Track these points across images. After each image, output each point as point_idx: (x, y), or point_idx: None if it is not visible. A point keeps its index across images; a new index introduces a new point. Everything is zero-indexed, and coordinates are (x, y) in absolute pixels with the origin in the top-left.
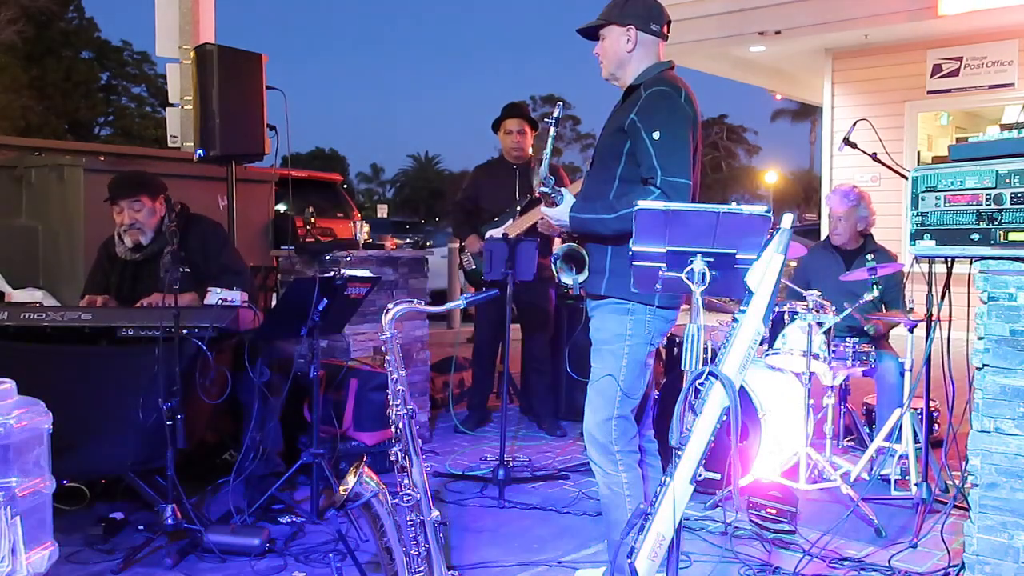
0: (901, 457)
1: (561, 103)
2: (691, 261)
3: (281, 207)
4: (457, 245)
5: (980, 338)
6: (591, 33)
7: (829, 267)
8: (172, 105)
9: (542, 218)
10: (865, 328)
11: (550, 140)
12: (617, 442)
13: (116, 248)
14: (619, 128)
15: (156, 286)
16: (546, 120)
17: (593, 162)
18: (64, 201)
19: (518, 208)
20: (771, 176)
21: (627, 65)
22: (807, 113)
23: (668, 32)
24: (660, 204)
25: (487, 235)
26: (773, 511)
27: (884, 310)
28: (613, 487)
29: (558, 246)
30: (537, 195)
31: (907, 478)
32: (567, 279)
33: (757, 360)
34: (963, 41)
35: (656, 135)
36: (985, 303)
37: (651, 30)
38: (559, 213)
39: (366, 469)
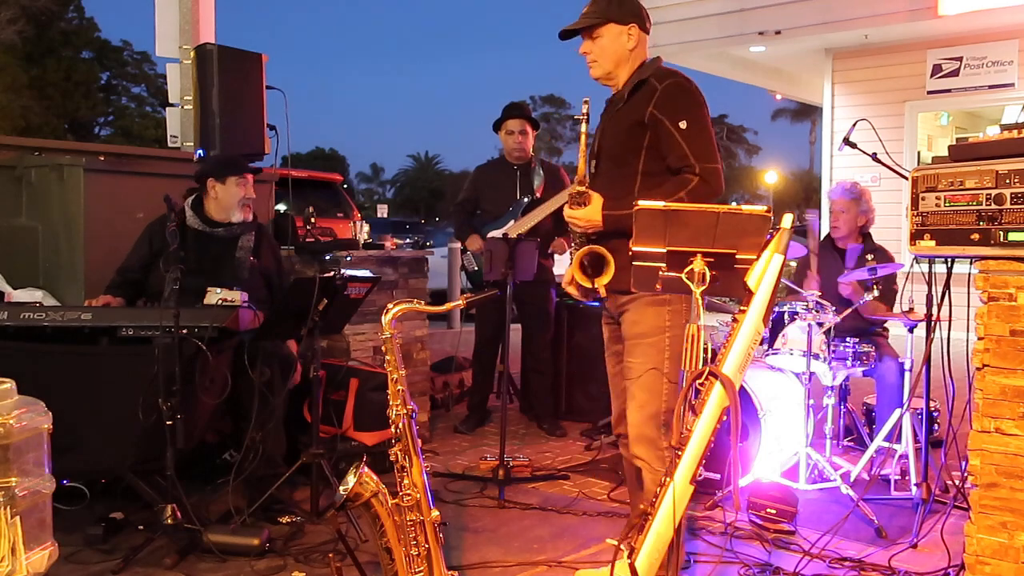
0: (901, 457)
1: (588, 100)
2: (691, 261)
3: (281, 207)
4: (458, 246)
5: (980, 338)
6: (575, 32)
7: (828, 266)
8: (172, 105)
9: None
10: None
11: (583, 138)
12: (667, 436)
13: (188, 220)
14: (636, 123)
15: (229, 265)
16: (575, 119)
17: (599, 162)
18: (64, 201)
19: (520, 208)
20: (771, 176)
21: (625, 64)
22: (807, 113)
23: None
24: (660, 204)
25: (488, 235)
26: (773, 511)
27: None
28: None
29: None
30: (573, 194)
31: (907, 478)
32: (587, 284)
33: (757, 360)
34: (963, 41)
35: (683, 124)
36: (985, 303)
37: (646, 28)
38: (589, 213)
39: (366, 469)
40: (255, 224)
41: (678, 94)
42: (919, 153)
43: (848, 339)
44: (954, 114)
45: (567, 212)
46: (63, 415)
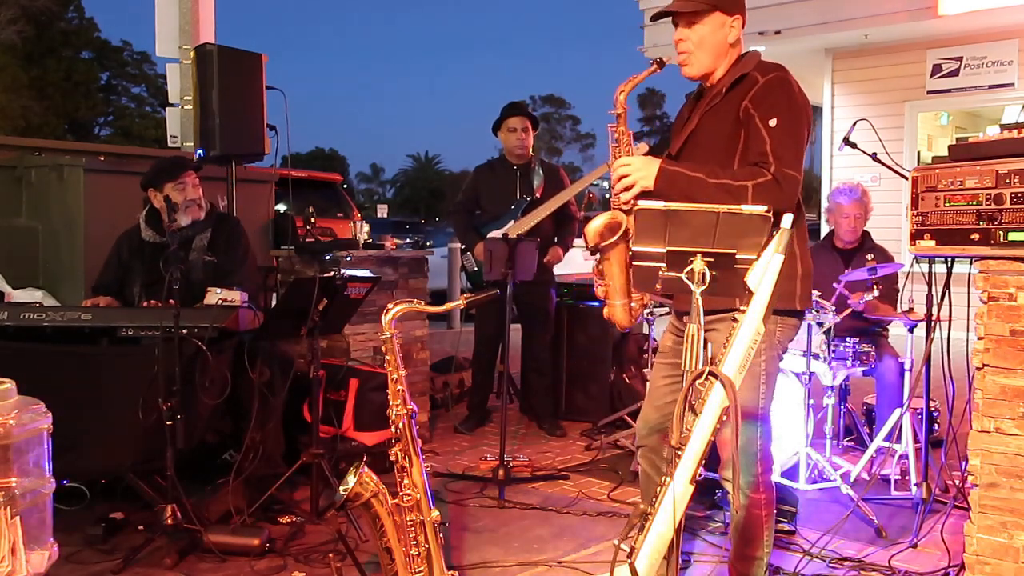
0: (901, 457)
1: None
2: (691, 261)
3: (281, 207)
4: (458, 246)
5: (980, 338)
6: (676, 15)
7: (828, 267)
8: (172, 105)
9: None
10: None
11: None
12: (761, 463)
13: (143, 233)
14: (734, 120)
15: (185, 272)
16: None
17: (685, 150)
18: (64, 201)
19: (520, 208)
20: None
21: (723, 59)
22: None
23: None
24: (660, 204)
25: (488, 236)
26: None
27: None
28: (752, 509)
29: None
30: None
31: (907, 478)
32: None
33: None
34: (963, 41)
35: (772, 122)
36: (985, 303)
37: (743, 23)
38: (646, 162)
39: (366, 469)
40: (213, 220)
41: (777, 89)
42: (919, 153)
43: (848, 339)
44: (954, 114)
45: (616, 163)
46: (63, 415)
